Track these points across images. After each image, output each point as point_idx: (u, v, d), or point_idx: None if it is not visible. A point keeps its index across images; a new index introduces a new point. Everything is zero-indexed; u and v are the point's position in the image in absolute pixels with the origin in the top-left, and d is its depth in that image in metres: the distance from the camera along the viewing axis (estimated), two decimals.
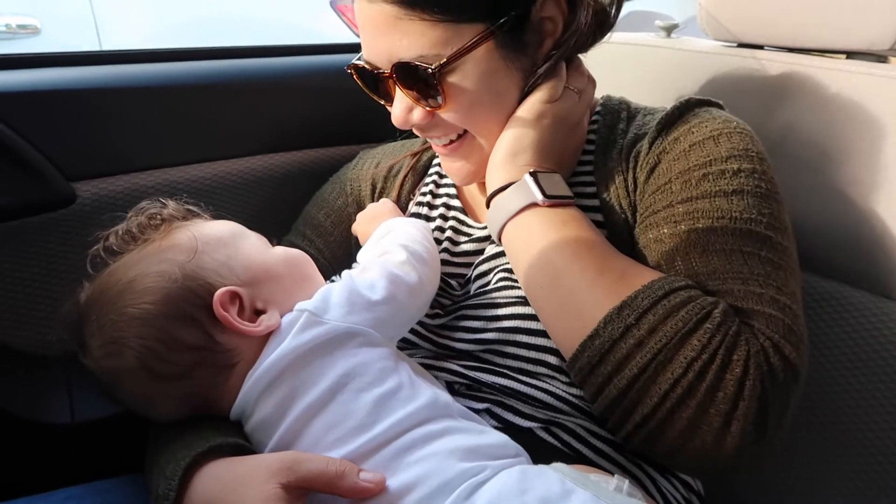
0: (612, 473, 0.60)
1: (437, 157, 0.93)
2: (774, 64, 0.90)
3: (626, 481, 0.57)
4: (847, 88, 0.84)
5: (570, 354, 0.64)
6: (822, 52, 0.90)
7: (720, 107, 0.77)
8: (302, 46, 1.18)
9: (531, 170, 0.70)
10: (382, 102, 0.78)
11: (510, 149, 0.72)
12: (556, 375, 0.70)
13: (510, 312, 0.72)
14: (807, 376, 0.61)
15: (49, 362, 0.93)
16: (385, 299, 0.67)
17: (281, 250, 0.75)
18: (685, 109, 0.74)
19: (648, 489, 0.69)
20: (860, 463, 0.80)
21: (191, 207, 0.75)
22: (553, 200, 0.68)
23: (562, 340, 0.66)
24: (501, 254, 0.76)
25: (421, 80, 0.70)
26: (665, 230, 0.67)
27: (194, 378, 0.65)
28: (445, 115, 0.73)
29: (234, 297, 0.66)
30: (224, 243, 0.70)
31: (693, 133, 0.72)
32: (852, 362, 0.81)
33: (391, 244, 0.75)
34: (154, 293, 0.64)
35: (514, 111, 0.74)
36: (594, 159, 0.78)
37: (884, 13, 0.82)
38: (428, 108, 0.72)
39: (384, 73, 0.72)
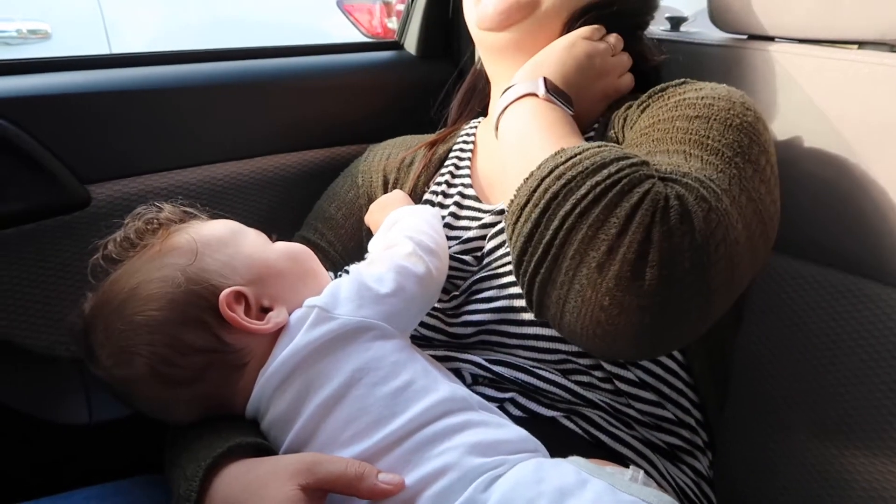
0: (628, 465, 0.60)
1: (454, 149, 0.94)
2: (785, 56, 0.90)
3: (641, 472, 0.57)
4: (859, 78, 0.83)
5: None
6: (834, 42, 0.90)
7: None
8: (311, 46, 1.19)
9: (545, 76, 0.74)
10: None
11: (537, 61, 0.78)
12: (574, 360, 0.71)
13: None
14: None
15: (66, 364, 0.94)
16: (394, 291, 0.67)
17: (282, 246, 0.75)
18: (683, 82, 0.76)
19: (662, 473, 0.69)
20: (879, 455, 0.80)
21: (187, 209, 0.75)
22: (550, 97, 0.72)
23: None
24: None
25: None
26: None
27: (206, 380, 0.65)
28: None
29: (240, 296, 0.66)
30: (224, 243, 0.70)
31: (682, 91, 0.74)
32: (868, 353, 0.81)
33: (397, 236, 0.75)
34: (159, 299, 0.64)
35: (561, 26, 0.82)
36: (598, 126, 0.80)
37: (895, 3, 0.81)
38: None
39: None
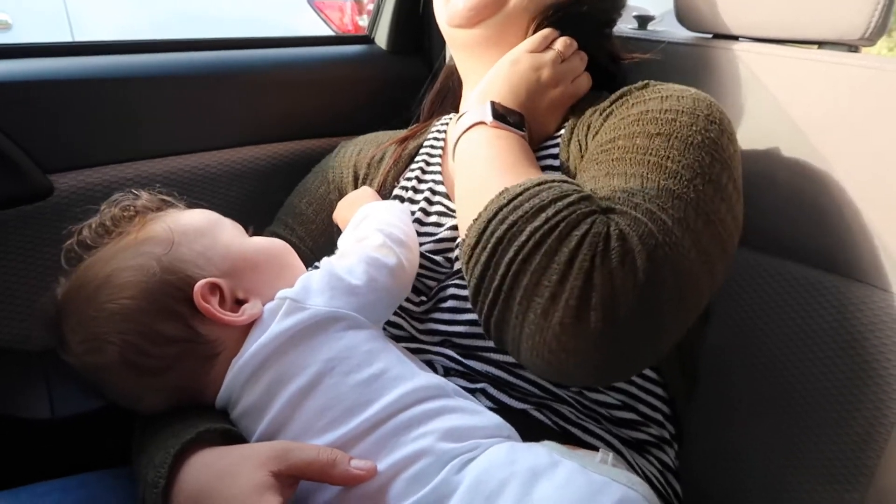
0: (598, 449, 0.61)
1: (424, 145, 0.94)
2: (749, 54, 0.92)
3: (611, 454, 0.59)
4: (819, 77, 0.86)
5: None
6: (795, 42, 0.92)
7: None
8: (283, 39, 1.18)
9: (493, 101, 0.75)
10: None
11: (482, 87, 0.79)
12: None
13: None
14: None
15: (27, 357, 0.92)
16: (366, 283, 0.68)
17: (259, 239, 0.75)
18: (645, 85, 0.77)
19: (630, 463, 0.70)
20: (837, 442, 0.82)
21: (165, 197, 0.74)
22: (498, 123, 0.72)
23: None
24: None
25: None
26: (587, 173, 0.69)
27: (178, 370, 0.65)
28: None
29: (215, 287, 0.66)
30: (201, 233, 0.69)
31: (645, 96, 0.74)
32: (826, 343, 0.83)
33: (367, 229, 0.75)
34: (132, 288, 0.63)
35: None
36: (563, 133, 0.80)
37: (854, 5, 0.84)
38: None
39: None
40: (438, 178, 0.88)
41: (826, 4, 0.86)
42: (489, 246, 0.58)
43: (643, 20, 1.09)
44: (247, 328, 0.66)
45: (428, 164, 0.91)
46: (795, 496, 0.85)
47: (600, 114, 0.76)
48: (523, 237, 0.57)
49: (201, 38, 1.11)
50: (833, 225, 0.83)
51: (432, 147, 0.93)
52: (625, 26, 1.11)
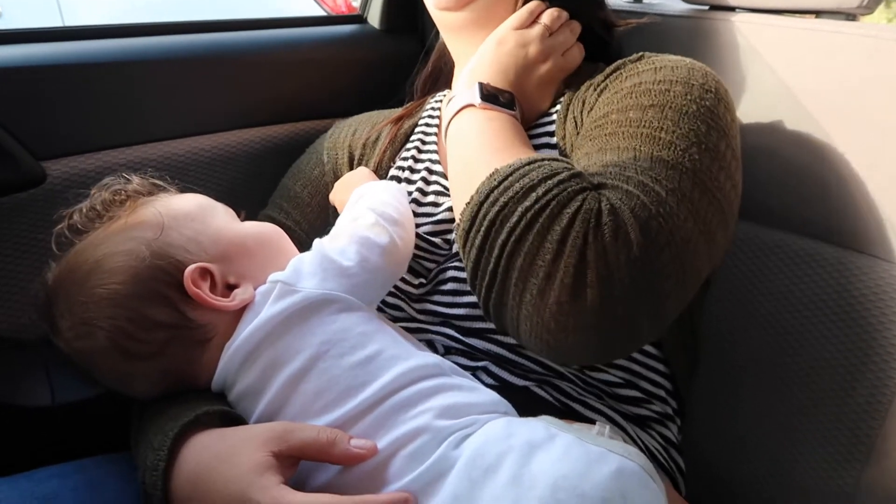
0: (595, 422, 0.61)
1: (420, 124, 0.93)
2: (746, 25, 0.91)
3: (608, 426, 0.58)
4: (818, 47, 0.85)
5: None
6: (793, 12, 0.91)
7: None
8: (275, 20, 1.17)
9: (482, 82, 0.73)
10: None
11: (471, 67, 0.78)
12: None
13: None
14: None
15: (26, 345, 0.91)
16: (358, 263, 0.67)
17: (251, 224, 0.74)
18: (640, 57, 0.76)
19: (633, 438, 0.70)
20: (837, 413, 0.82)
21: (156, 182, 0.74)
22: (487, 104, 0.71)
23: None
24: None
25: None
26: (581, 150, 0.68)
27: (168, 355, 0.65)
28: None
29: (206, 272, 0.66)
30: (192, 218, 0.69)
31: (638, 68, 0.73)
32: (827, 315, 0.83)
33: (360, 209, 0.75)
34: (122, 273, 0.63)
35: None
36: (559, 108, 0.79)
37: None
38: None
39: None
40: (435, 157, 0.87)
41: None
42: (482, 229, 0.58)
43: None
44: (239, 313, 0.66)
45: (424, 143, 0.90)
46: (797, 467, 0.86)
47: (595, 88, 0.75)
48: (514, 218, 0.56)
49: (193, 21, 1.09)
50: (830, 195, 0.83)
51: (427, 126, 0.92)
52: (620, 0, 1.10)
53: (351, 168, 0.94)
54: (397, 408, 0.59)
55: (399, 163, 0.90)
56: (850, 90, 0.82)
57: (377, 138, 0.94)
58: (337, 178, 0.92)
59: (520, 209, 0.56)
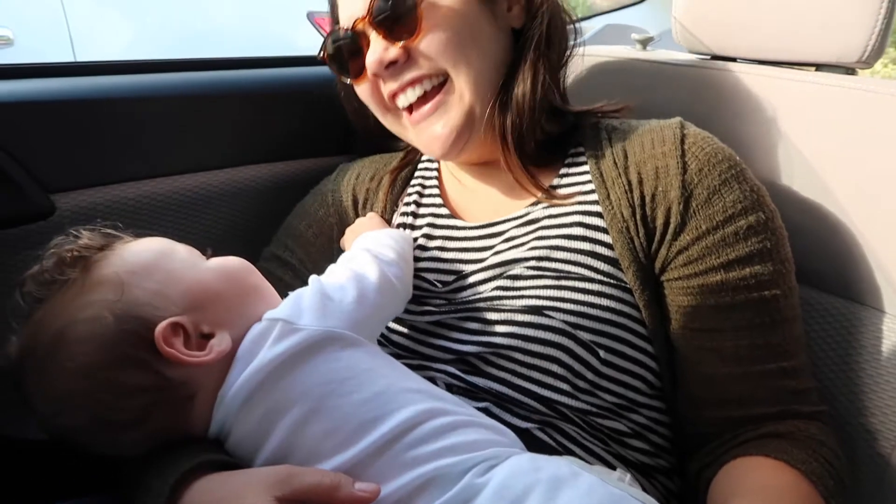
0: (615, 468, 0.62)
1: (419, 167, 0.94)
2: (747, 76, 0.93)
3: (628, 474, 0.59)
4: (816, 99, 0.86)
5: None
6: (793, 64, 0.93)
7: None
8: (280, 58, 1.19)
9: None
10: (354, 82, 0.82)
11: None
12: (557, 384, 0.71)
13: (526, 320, 0.72)
14: None
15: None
16: (356, 299, 0.67)
17: (216, 263, 0.70)
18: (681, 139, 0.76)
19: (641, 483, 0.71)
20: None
21: (108, 231, 0.69)
22: None
23: None
24: (502, 263, 0.77)
25: (396, 14, 0.74)
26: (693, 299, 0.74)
27: (154, 418, 0.62)
28: (422, 45, 0.75)
29: (177, 327, 0.62)
30: (153, 269, 0.64)
31: (706, 174, 0.74)
32: (827, 366, 0.83)
33: (357, 250, 0.76)
34: (88, 342, 0.59)
35: (498, 60, 0.78)
36: (589, 168, 0.79)
37: (851, 28, 0.84)
38: (403, 42, 0.75)
39: (359, 19, 0.76)
40: (438, 201, 0.88)
41: (823, 28, 0.86)
42: None
43: (644, 42, 1.10)
44: (224, 361, 0.63)
45: (424, 186, 0.91)
46: None
47: (678, 201, 0.73)
48: None
49: (201, 58, 1.11)
50: (832, 247, 0.84)
51: (427, 170, 0.93)
52: (627, 48, 1.12)
53: (355, 210, 0.95)
54: (416, 443, 0.58)
55: (402, 208, 0.91)
56: (849, 142, 0.83)
57: (379, 182, 0.95)
58: (341, 219, 0.93)
59: None
